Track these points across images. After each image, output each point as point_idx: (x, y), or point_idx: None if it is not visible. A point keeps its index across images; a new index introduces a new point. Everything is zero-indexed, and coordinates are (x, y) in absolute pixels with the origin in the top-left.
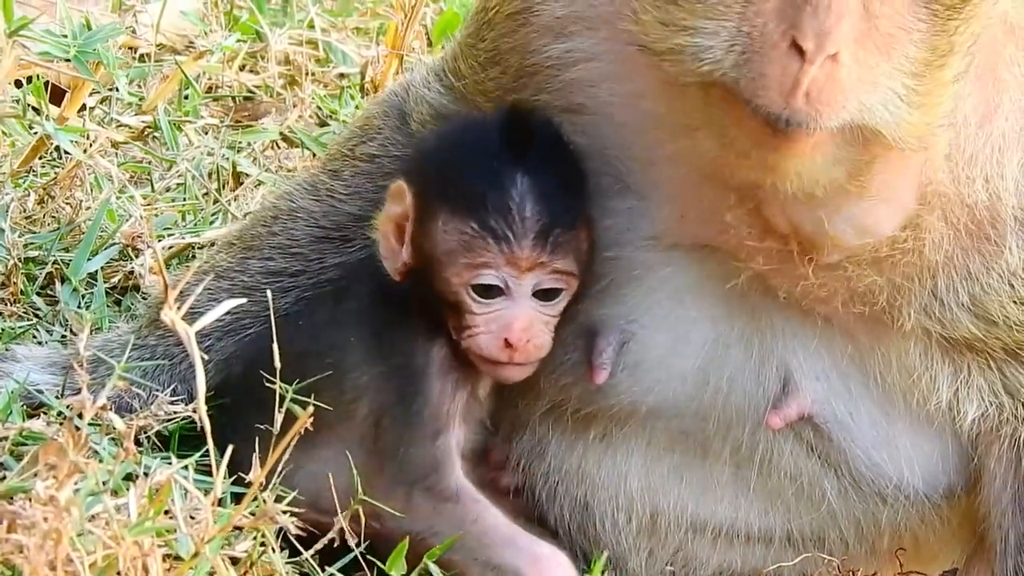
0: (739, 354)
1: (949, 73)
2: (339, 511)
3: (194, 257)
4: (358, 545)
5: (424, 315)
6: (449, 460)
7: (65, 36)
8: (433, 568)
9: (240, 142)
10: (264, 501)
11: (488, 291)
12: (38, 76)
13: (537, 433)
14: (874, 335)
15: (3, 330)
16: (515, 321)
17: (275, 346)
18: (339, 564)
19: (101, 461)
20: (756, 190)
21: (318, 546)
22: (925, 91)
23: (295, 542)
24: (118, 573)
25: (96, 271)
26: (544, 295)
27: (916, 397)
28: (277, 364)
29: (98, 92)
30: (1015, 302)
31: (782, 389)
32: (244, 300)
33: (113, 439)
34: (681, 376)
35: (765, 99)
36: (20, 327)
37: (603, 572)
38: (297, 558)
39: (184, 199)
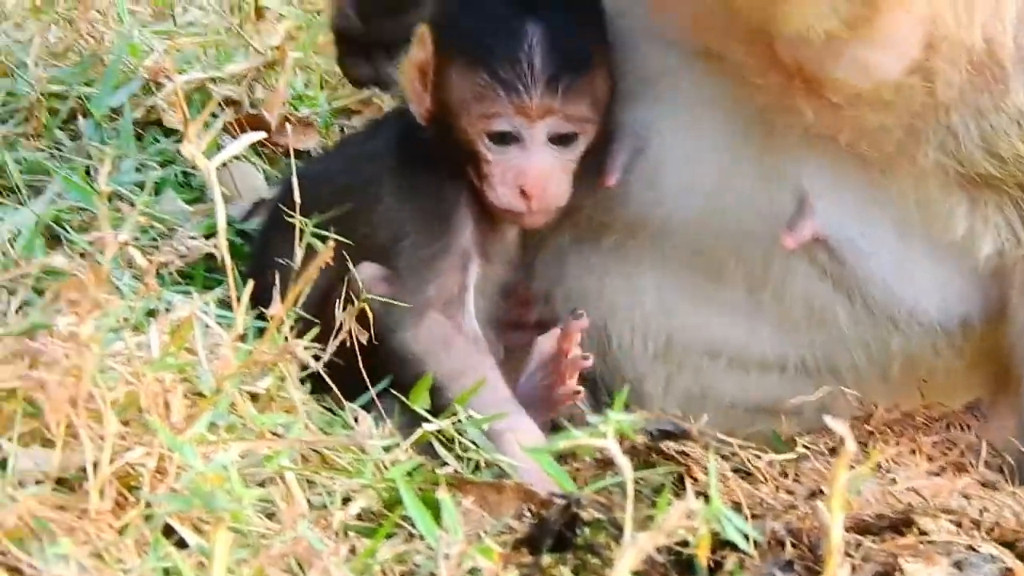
0: (754, 171)
1: None
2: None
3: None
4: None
5: (449, 160)
6: (469, 299)
7: None
8: (458, 409)
9: None
10: (285, 337)
11: (502, 139)
12: None
13: (557, 256)
14: (889, 168)
15: (26, 162)
16: (530, 170)
17: (295, 180)
18: (360, 400)
19: (123, 297)
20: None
21: (327, 356)
22: None
23: (326, 377)
24: (139, 409)
25: (119, 106)
26: (560, 140)
27: (933, 227)
28: (297, 199)
29: None
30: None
31: (796, 210)
32: (263, 134)
33: (135, 275)
34: (695, 190)
35: None
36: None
37: (626, 406)
38: (318, 395)
39: (206, 34)
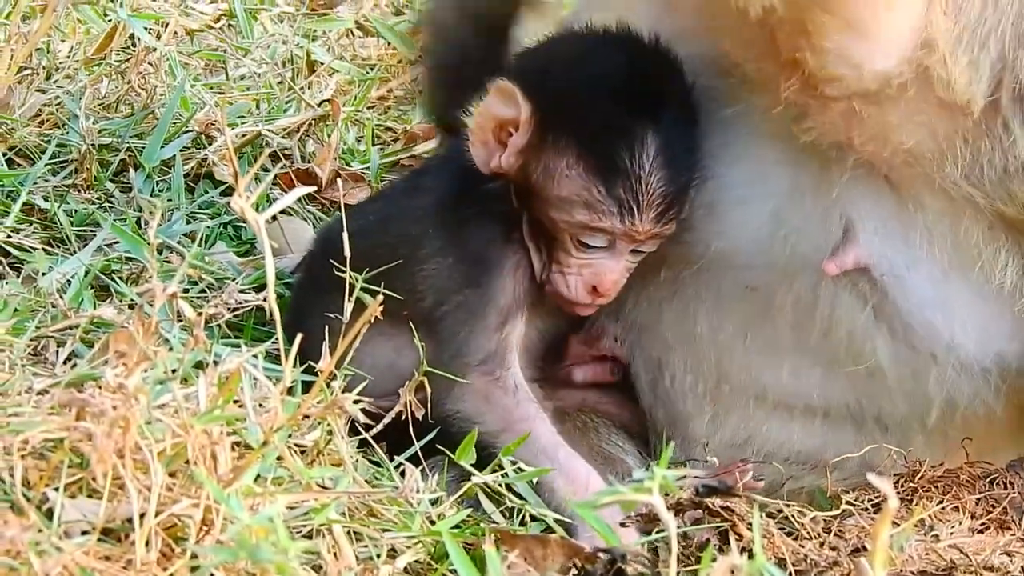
0: (807, 200)
1: None
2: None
3: (267, 145)
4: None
5: (506, 217)
6: (509, 353)
7: None
8: (505, 463)
9: (315, 30)
10: (333, 391)
11: (593, 246)
12: None
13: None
14: (929, 199)
15: (76, 213)
16: (609, 274)
17: (344, 234)
18: (407, 454)
19: (171, 349)
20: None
21: (381, 425)
22: None
23: (363, 431)
24: (187, 461)
25: (170, 158)
26: (637, 252)
27: (976, 268)
28: (347, 252)
29: None
30: None
31: (843, 237)
32: (313, 188)
33: (184, 327)
34: (755, 222)
35: None
36: (93, 212)
37: (670, 464)
38: (365, 448)
39: (258, 87)
